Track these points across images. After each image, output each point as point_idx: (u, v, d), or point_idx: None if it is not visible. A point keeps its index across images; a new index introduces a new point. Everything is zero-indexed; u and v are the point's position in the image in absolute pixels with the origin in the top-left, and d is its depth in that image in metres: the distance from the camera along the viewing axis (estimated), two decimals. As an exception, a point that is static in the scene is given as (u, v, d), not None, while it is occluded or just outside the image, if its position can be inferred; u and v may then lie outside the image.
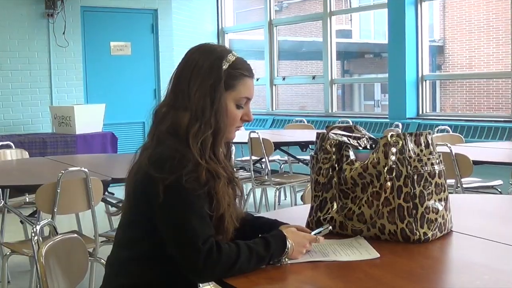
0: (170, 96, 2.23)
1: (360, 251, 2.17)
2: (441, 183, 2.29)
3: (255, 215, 2.57)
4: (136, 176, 2.16)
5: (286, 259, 2.09)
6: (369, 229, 2.30)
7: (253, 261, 2.02)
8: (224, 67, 2.19)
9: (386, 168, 2.25)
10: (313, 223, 2.44)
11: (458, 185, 4.82)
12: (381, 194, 2.26)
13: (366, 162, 2.31)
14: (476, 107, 14.44)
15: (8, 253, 4.10)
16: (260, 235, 2.14)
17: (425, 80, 8.97)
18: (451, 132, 7.00)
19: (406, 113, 8.85)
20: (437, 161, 2.30)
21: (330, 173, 2.41)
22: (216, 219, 2.13)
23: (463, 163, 4.72)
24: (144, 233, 2.17)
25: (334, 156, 2.42)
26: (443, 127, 7.13)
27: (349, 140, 2.41)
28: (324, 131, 2.47)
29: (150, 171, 2.07)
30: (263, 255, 2.05)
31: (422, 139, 2.30)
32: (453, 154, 4.69)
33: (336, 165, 2.40)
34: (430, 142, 2.31)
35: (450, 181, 4.82)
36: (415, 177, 2.24)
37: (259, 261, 2.04)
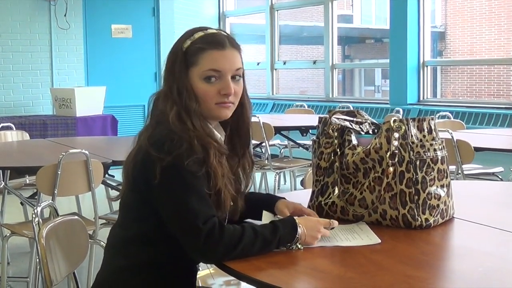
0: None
1: (361, 236, 2.16)
2: (444, 169, 2.29)
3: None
4: (136, 157, 2.14)
5: (299, 245, 2.07)
6: (370, 215, 2.30)
7: (258, 244, 2.01)
8: (185, 45, 2.20)
9: (388, 153, 2.24)
10: (314, 207, 2.44)
11: (459, 171, 4.81)
12: (383, 179, 2.26)
13: (368, 147, 2.30)
14: (477, 94, 14.43)
15: (8, 235, 4.10)
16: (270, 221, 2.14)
17: (426, 66, 8.95)
18: (452, 119, 6.99)
19: (407, 99, 8.85)
20: (440, 147, 2.29)
21: (332, 157, 2.41)
22: (213, 193, 2.12)
23: (464, 150, 4.70)
24: (143, 214, 2.17)
25: (336, 141, 2.41)
26: (444, 113, 7.11)
27: (351, 125, 2.40)
28: (326, 115, 2.46)
29: (150, 151, 2.06)
30: (269, 239, 2.03)
31: (425, 125, 2.29)
32: (455, 140, 4.68)
33: (338, 150, 2.40)
34: (433, 127, 2.30)
35: (451, 168, 4.81)
36: (418, 162, 2.23)
37: (265, 245, 2.02)
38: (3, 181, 5.07)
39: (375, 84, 19.00)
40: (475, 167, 5.62)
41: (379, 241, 2.11)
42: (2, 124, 6.13)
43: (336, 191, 2.39)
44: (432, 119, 2.33)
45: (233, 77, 2.21)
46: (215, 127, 2.27)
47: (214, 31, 2.25)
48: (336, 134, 2.41)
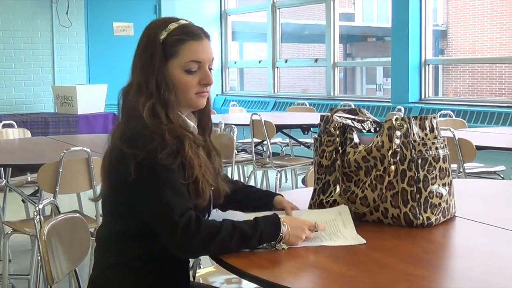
0: (130, 74, 2.28)
1: (345, 236, 2.15)
2: (445, 167, 2.29)
3: (245, 184, 2.61)
4: (111, 155, 2.16)
5: (283, 244, 2.05)
6: (372, 213, 2.30)
7: (236, 238, 2.00)
8: (161, 37, 2.18)
9: (390, 152, 2.24)
10: (316, 205, 2.43)
11: (461, 170, 4.80)
12: (384, 177, 2.25)
13: (370, 145, 2.30)
14: (478, 92, 14.43)
15: (9, 232, 4.09)
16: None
17: (428, 65, 8.94)
18: (453, 117, 6.98)
19: (409, 97, 8.84)
20: (442, 145, 2.29)
21: (334, 156, 2.40)
22: (191, 183, 2.12)
23: (466, 148, 4.70)
24: (125, 211, 2.18)
25: (338, 139, 2.41)
26: (445, 111, 7.10)
27: (353, 123, 2.40)
28: (328, 113, 2.46)
29: (124, 148, 2.08)
30: (248, 234, 2.02)
31: (427, 123, 2.29)
32: (456, 139, 4.68)
33: (339, 148, 2.39)
34: (435, 126, 2.30)
35: (453, 166, 4.80)
36: (419, 161, 2.23)
37: (243, 240, 2.02)
38: (5, 178, 5.07)
39: (377, 82, 19.01)
40: (476, 165, 5.61)
41: (364, 241, 2.09)
42: (3, 122, 6.14)
43: (338, 189, 2.38)
44: (434, 117, 2.32)
45: (209, 67, 2.27)
46: (187, 116, 2.30)
47: (186, 22, 2.27)
48: (338, 132, 2.41)
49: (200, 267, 2.99)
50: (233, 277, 2.75)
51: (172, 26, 2.21)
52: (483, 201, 2.81)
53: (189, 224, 2.00)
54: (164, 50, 2.18)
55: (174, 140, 2.09)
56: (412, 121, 2.27)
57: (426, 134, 2.27)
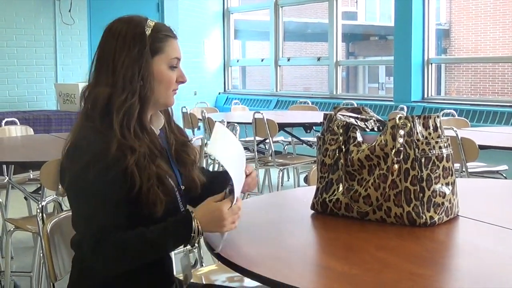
0: (93, 75, 2.20)
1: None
2: (449, 167, 2.28)
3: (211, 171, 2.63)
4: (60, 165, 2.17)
5: (196, 244, 2.04)
6: (375, 212, 2.29)
7: (146, 248, 1.99)
8: (147, 32, 2.16)
9: (393, 151, 2.24)
10: (319, 204, 2.43)
11: (464, 169, 4.80)
12: (388, 176, 2.25)
13: (373, 144, 2.30)
14: (481, 92, 14.41)
15: (12, 229, 4.10)
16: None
17: (431, 64, 8.94)
18: (456, 116, 6.98)
19: (411, 96, 8.84)
20: (445, 144, 2.29)
21: (337, 154, 2.40)
22: (138, 192, 2.06)
23: (469, 148, 4.69)
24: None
25: (341, 138, 2.41)
26: (448, 111, 7.10)
27: (356, 122, 2.40)
28: (332, 112, 2.46)
29: (63, 160, 2.10)
30: (159, 242, 2.00)
31: (431, 122, 2.28)
32: (459, 138, 4.67)
33: (343, 147, 2.39)
34: (438, 125, 2.30)
35: (455, 166, 4.80)
36: (423, 160, 2.22)
37: (156, 248, 2.01)
38: (7, 175, 5.07)
39: (379, 81, 19.00)
40: (479, 165, 5.61)
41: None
42: (6, 119, 6.14)
43: (341, 188, 2.38)
44: (438, 116, 2.32)
45: None
46: (155, 115, 2.28)
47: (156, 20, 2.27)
48: (341, 131, 2.41)
49: (202, 265, 2.99)
50: (235, 275, 2.75)
51: (151, 22, 2.20)
52: (486, 201, 2.80)
53: (97, 245, 1.96)
54: (151, 45, 2.16)
55: (119, 153, 2.03)
56: (416, 120, 2.26)
57: (429, 133, 2.27)
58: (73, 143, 2.08)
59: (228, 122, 6.36)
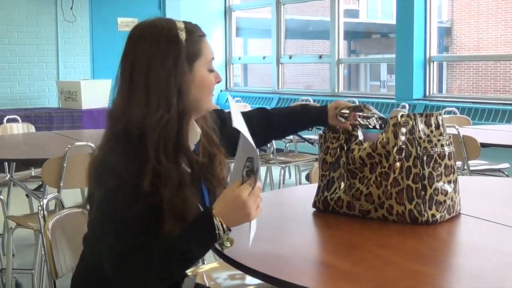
0: (122, 92, 1.97)
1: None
2: (451, 165, 2.28)
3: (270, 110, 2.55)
4: (90, 170, 1.95)
5: (227, 243, 1.87)
6: (376, 210, 2.29)
7: (174, 259, 1.84)
8: (182, 37, 1.95)
9: (395, 149, 2.23)
10: (320, 202, 2.43)
11: (465, 167, 4.80)
12: (389, 174, 2.25)
13: (375, 142, 2.29)
14: (483, 89, 14.39)
15: (13, 227, 4.10)
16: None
17: (433, 61, 8.93)
18: (458, 114, 6.97)
19: (413, 94, 8.83)
20: (447, 142, 2.28)
21: (338, 152, 2.40)
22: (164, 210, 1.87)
23: (470, 145, 4.69)
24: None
25: (342, 136, 2.41)
26: (450, 108, 7.10)
27: (358, 120, 2.40)
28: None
29: (91, 178, 1.91)
30: (183, 248, 1.82)
31: (433, 120, 2.28)
32: (461, 136, 4.67)
33: (344, 145, 2.39)
34: (440, 123, 2.30)
35: (457, 163, 4.79)
36: (425, 158, 2.22)
37: (182, 256, 1.84)
38: (9, 173, 5.08)
39: (381, 79, 18.97)
40: (481, 163, 5.61)
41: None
42: (8, 117, 6.15)
43: (342, 186, 2.38)
44: (440, 114, 2.32)
45: None
46: (191, 126, 2.02)
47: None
48: (343, 129, 2.42)
49: (203, 263, 2.98)
50: (236, 273, 2.74)
51: (180, 23, 1.99)
52: (487, 199, 2.80)
53: (119, 265, 1.83)
54: (188, 51, 1.95)
55: (151, 185, 1.83)
56: (418, 118, 2.26)
57: (431, 131, 2.27)
58: (102, 163, 1.89)
59: (229, 120, 6.34)
